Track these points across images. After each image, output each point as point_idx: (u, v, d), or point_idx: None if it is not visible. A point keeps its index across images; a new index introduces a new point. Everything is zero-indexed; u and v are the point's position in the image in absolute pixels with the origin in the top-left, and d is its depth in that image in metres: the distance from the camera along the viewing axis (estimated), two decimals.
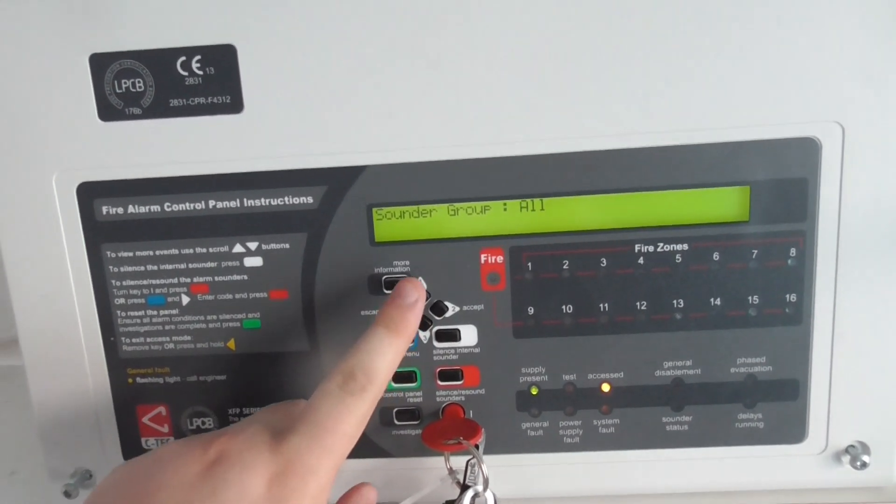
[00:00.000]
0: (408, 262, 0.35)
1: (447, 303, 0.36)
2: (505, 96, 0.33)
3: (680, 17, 0.32)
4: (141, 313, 0.37)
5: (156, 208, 0.35)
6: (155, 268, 0.36)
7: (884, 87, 0.32)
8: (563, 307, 0.36)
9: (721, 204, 0.34)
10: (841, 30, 0.32)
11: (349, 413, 0.29)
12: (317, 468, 0.28)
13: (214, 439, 0.29)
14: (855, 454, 0.36)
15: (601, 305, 0.35)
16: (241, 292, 0.36)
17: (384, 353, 0.31)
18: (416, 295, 0.33)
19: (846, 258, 0.34)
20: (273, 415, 0.32)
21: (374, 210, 0.35)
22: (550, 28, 0.33)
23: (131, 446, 0.38)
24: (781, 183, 0.34)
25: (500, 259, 0.35)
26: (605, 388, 0.36)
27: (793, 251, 0.34)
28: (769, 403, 0.36)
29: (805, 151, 0.33)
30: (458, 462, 0.36)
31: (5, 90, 0.34)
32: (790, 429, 0.36)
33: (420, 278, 0.35)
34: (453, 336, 0.36)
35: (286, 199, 0.35)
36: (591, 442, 0.37)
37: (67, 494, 0.38)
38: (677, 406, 0.36)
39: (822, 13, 0.32)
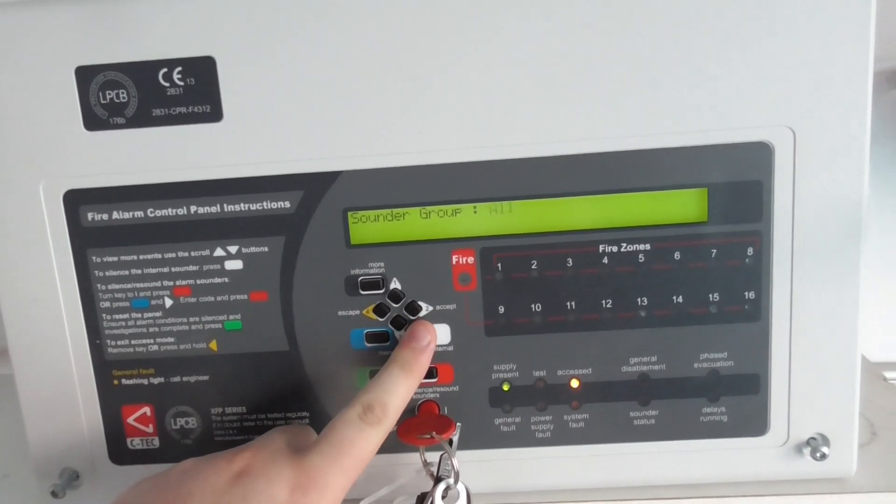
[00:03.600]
0: (383, 264, 0.37)
1: (421, 302, 0.37)
2: (473, 104, 0.35)
3: (639, 30, 0.34)
4: (126, 316, 0.38)
5: (139, 214, 0.37)
6: (139, 272, 0.37)
7: (832, 94, 0.34)
8: (533, 306, 0.37)
9: (681, 205, 0.36)
10: (791, 39, 0.34)
11: (366, 440, 0.32)
12: (333, 485, 0.31)
13: (237, 454, 0.32)
14: (815, 446, 0.37)
15: (569, 304, 0.37)
16: (222, 295, 0.37)
17: (398, 391, 0.34)
18: (428, 338, 0.36)
19: (801, 256, 0.36)
20: (288, 436, 0.34)
21: (350, 214, 0.36)
22: (516, 39, 0.34)
23: (117, 446, 0.40)
24: (737, 185, 0.35)
25: (471, 260, 0.37)
26: (575, 383, 0.38)
27: (750, 250, 0.36)
28: (732, 397, 0.37)
29: (759, 155, 0.35)
30: (435, 457, 0.37)
31: None
32: (752, 422, 0.38)
33: (433, 326, 0.37)
34: None
35: (264, 203, 0.36)
36: (562, 436, 0.38)
37: (54, 494, 0.39)
38: (644, 401, 0.38)
39: (772, 24, 0.34)
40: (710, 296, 0.36)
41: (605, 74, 0.34)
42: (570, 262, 0.36)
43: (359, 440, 0.32)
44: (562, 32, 0.34)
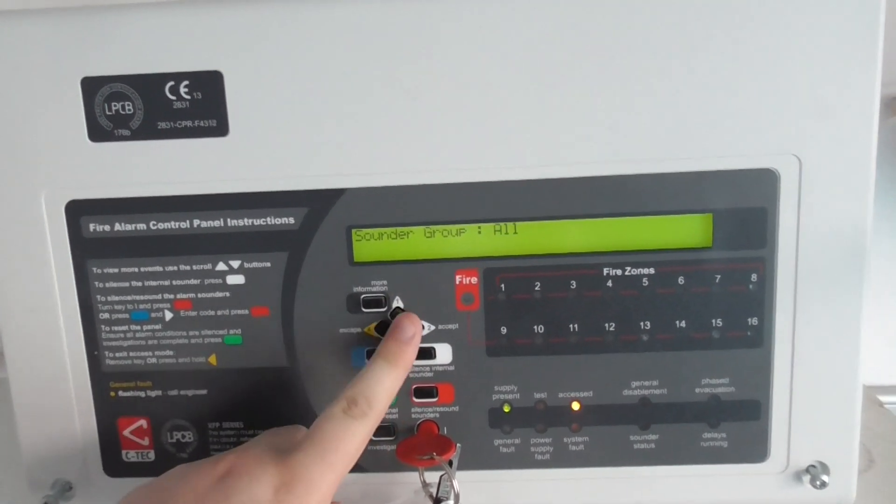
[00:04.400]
0: (385, 282, 0.37)
1: (423, 322, 0.37)
2: (479, 125, 0.35)
3: (649, 55, 0.34)
4: (125, 328, 0.38)
5: (142, 226, 0.36)
6: (139, 284, 0.37)
7: (837, 123, 0.34)
8: (535, 327, 0.37)
9: (685, 230, 0.36)
10: (797, 69, 0.34)
11: (351, 435, 0.32)
12: (319, 482, 0.30)
13: (223, 457, 0.32)
14: (815, 474, 0.37)
15: (571, 326, 0.37)
16: (223, 309, 0.37)
17: (383, 383, 0.34)
18: (412, 330, 0.35)
19: (804, 283, 0.36)
20: (275, 437, 0.34)
21: (354, 231, 0.36)
22: (524, 62, 0.34)
23: (112, 459, 0.39)
24: (742, 211, 0.35)
25: (474, 280, 0.37)
26: (575, 406, 0.38)
27: (754, 276, 0.36)
28: (732, 423, 0.37)
29: (764, 182, 0.35)
30: (434, 477, 0.37)
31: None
32: (752, 448, 0.38)
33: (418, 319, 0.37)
34: (429, 354, 0.37)
35: (268, 219, 0.36)
36: (562, 459, 0.38)
37: None
38: (644, 425, 0.38)
39: (779, 53, 0.34)
40: (713, 321, 0.36)
41: (612, 99, 0.34)
42: (574, 284, 0.36)
43: (344, 434, 0.31)
44: (569, 57, 0.34)
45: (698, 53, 0.34)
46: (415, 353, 0.36)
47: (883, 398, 0.52)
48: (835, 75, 0.34)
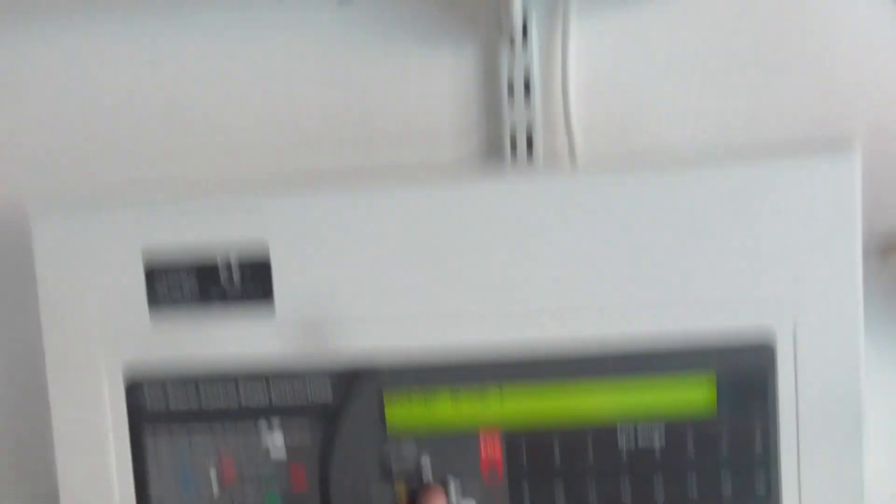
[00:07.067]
0: (415, 446, 0.39)
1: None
2: (502, 300, 0.39)
3: (658, 237, 0.38)
4: (176, 495, 0.40)
5: (195, 405, 0.40)
6: (190, 456, 0.40)
7: (828, 294, 0.37)
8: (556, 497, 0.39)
9: (692, 400, 0.38)
10: (786, 254, 0.38)
11: None
12: None
13: None
14: None
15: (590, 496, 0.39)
16: (265, 481, 0.40)
17: None
18: None
19: (806, 446, 0.38)
20: None
21: (386, 396, 0.39)
22: (543, 241, 0.38)
23: None
24: (743, 381, 0.38)
25: (497, 452, 0.39)
26: None
27: (758, 441, 0.38)
28: None
29: (761, 354, 0.38)
30: None
31: (67, 286, 0.40)
32: None
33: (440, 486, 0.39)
34: None
35: (307, 394, 0.40)
36: None
37: None
38: None
39: (770, 236, 0.38)
40: (723, 486, 0.39)
41: (622, 276, 0.38)
42: (591, 456, 0.39)
43: None
44: (583, 238, 0.38)
45: (700, 238, 0.38)
46: None
47: None
48: (824, 252, 0.37)
